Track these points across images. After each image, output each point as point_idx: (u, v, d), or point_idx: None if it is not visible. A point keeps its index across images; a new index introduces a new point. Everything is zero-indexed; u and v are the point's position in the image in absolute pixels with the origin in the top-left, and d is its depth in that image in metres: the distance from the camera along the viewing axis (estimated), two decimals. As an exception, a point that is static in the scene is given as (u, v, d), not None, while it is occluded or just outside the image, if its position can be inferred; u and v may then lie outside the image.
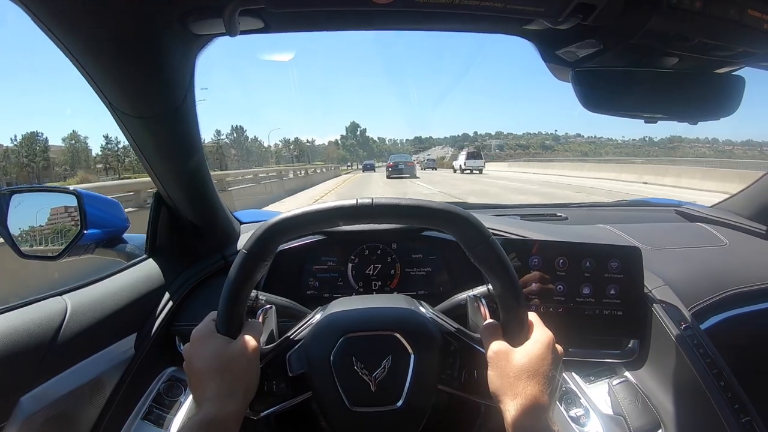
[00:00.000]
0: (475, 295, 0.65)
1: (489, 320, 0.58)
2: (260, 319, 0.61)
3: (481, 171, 30.97)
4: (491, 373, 0.53)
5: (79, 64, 0.56)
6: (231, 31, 0.54)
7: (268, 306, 0.65)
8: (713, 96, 0.65)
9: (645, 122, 0.65)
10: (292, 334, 0.60)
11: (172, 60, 0.60)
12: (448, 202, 0.57)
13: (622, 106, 0.63)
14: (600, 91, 0.62)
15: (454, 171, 33.55)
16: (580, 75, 0.62)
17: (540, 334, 0.54)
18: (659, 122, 0.67)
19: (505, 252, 0.53)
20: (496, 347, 0.53)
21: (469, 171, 30.92)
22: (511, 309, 0.54)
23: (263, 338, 0.60)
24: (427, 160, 56.25)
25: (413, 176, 24.80)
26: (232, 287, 0.53)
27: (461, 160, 32.64)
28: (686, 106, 0.65)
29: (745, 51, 0.62)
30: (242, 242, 0.96)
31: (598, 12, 0.53)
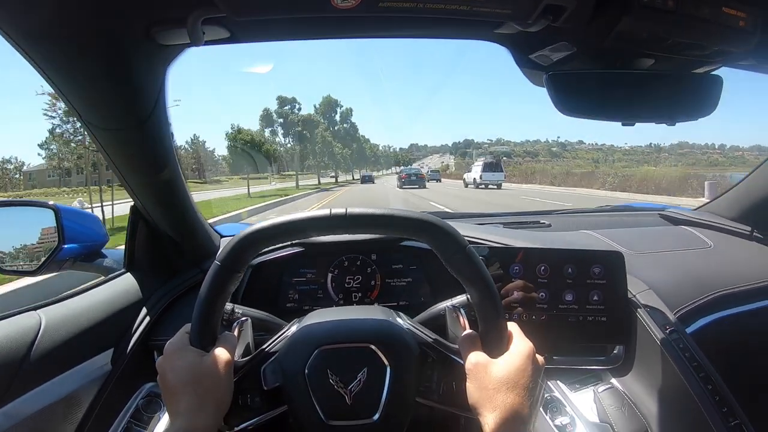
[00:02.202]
0: (453, 305, 0.64)
1: (467, 331, 0.57)
2: (236, 332, 0.60)
3: (499, 186, 23.82)
4: (470, 386, 0.51)
5: (47, 76, 0.55)
6: (195, 41, 0.53)
7: (243, 318, 0.64)
8: (691, 96, 0.64)
9: (622, 125, 0.64)
10: (268, 346, 0.59)
11: (139, 72, 0.59)
12: (424, 211, 0.55)
13: (599, 109, 0.62)
14: (575, 94, 0.61)
15: (466, 185, 26.53)
16: (554, 78, 0.60)
17: (519, 345, 0.53)
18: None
19: (486, 261, 0.52)
20: (475, 359, 0.52)
21: (484, 186, 23.98)
22: (490, 319, 0.53)
23: (239, 351, 0.59)
24: (431, 171, 51.33)
25: (422, 186, 24.56)
26: (204, 299, 0.52)
27: (476, 172, 25.49)
28: (663, 107, 0.63)
29: (721, 49, 0.61)
30: None
31: (569, 13, 0.52)
